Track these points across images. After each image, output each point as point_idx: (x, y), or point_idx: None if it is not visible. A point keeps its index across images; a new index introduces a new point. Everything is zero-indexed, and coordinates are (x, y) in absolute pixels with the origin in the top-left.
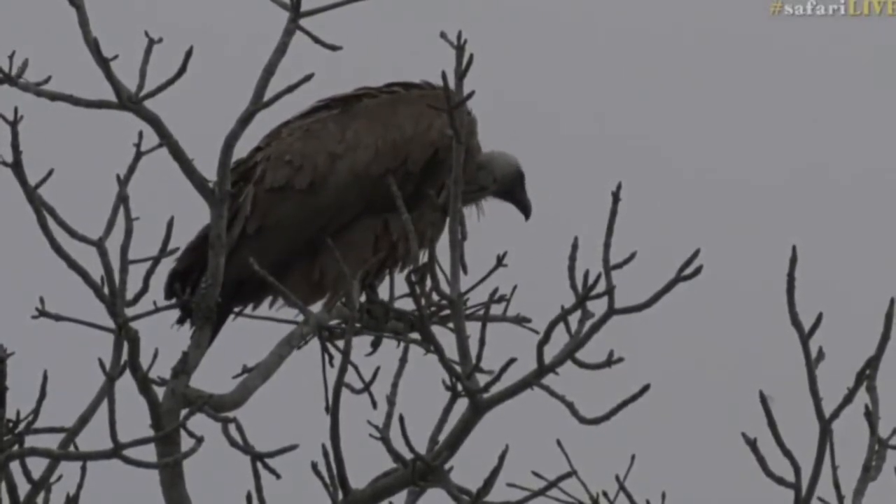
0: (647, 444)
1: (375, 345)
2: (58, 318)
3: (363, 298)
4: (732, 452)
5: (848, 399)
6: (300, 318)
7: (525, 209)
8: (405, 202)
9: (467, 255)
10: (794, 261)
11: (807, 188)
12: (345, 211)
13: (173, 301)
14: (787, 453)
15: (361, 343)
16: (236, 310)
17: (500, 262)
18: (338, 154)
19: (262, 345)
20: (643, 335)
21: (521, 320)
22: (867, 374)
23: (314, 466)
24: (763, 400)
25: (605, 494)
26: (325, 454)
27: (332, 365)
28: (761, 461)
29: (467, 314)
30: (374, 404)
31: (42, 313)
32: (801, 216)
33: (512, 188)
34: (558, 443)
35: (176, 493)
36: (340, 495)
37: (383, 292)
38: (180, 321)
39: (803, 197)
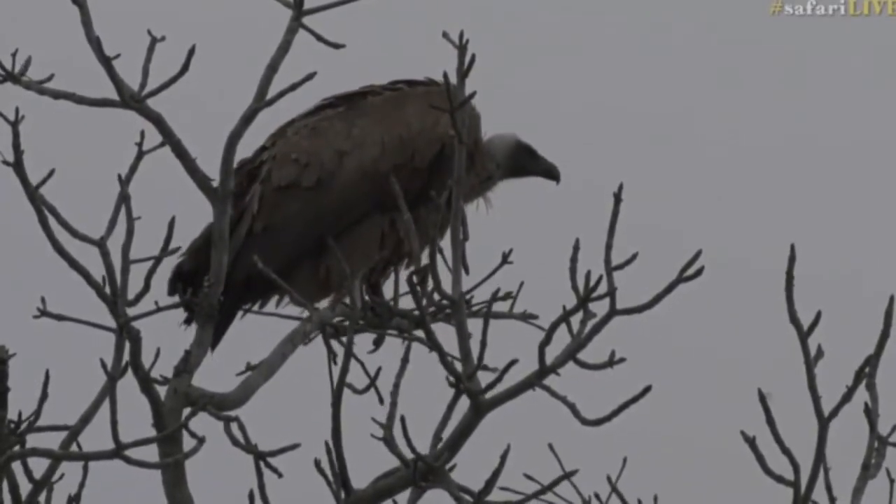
0: (647, 444)
1: (378, 342)
2: (59, 317)
3: (367, 297)
4: (732, 450)
5: (847, 397)
6: (306, 314)
7: (549, 173)
8: (412, 199)
9: (469, 254)
10: (792, 259)
11: (808, 186)
12: (352, 209)
13: (175, 301)
14: (786, 451)
15: (364, 340)
16: (244, 308)
17: (504, 259)
18: (345, 151)
19: (266, 342)
20: (645, 336)
21: (527, 317)
22: (866, 371)
23: (317, 464)
24: (762, 398)
25: (597, 496)
26: (329, 452)
27: (335, 363)
28: (760, 459)
29: (471, 311)
30: (381, 399)
31: (43, 313)
32: (803, 214)
33: (519, 163)
34: (550, 447)
35: (178, 493)
36: (343, 494)
37: (387, 290)
38: (187, 321)
39: (804, 195)
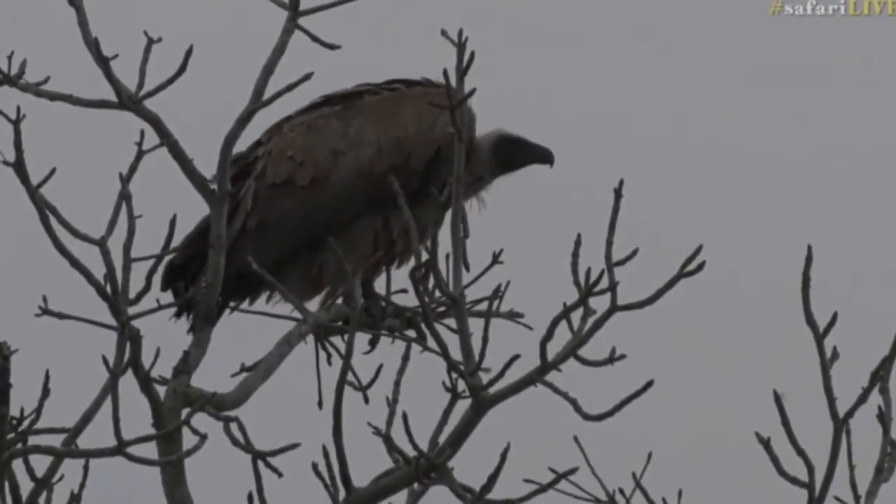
0: (657, 442)
1: (373, 343)
2: (61, 316)
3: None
4: (745, 451)
5: (862, 398)
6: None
7: (541, 158)
8: (407, 199)
9: (467, 251)
10: (809, 260)
11: (808, 185)
12: (346, 209)
13: (175, 301)
14: (801, 452)
15: (358, 341)
16: (232, 304)
17: (495, 259)
18: (340, 151)
19: (262, 342)
20: (647, 332)
21: (513, 315)
22: (881, 374)
23: (315, 467)
24: (777, 399)
25: (621, 491)
26: (325, 454)
27: (329, 363)
28: (775, 460)
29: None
30: (367, 399)
31: (45, 311)
32: (811, 211)
33: (505, 156)
34: (575, 439)
35: (178, 493)
36: (342, 494)
37: (380, 288)
38: (177, 314)
39: (804, 195)
